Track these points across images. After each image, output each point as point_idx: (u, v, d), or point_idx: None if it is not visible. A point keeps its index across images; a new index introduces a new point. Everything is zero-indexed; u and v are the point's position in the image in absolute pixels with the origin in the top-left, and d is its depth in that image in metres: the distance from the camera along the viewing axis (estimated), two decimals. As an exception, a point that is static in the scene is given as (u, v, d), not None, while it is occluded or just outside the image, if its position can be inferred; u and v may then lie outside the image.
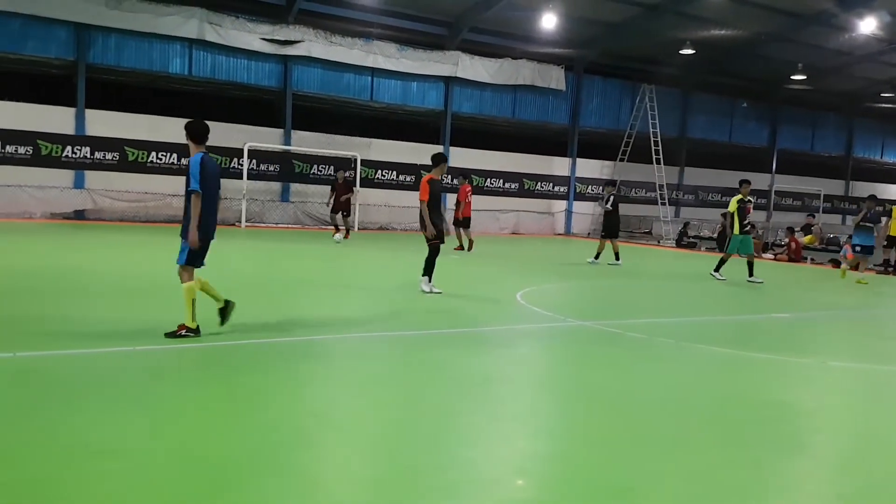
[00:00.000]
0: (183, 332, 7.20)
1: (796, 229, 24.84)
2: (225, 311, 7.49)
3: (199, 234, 7.23)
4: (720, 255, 17.15)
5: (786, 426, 5.63)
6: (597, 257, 18.07)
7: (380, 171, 27.72)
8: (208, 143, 7.56)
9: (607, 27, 28.92)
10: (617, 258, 17.89)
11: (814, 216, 28.96)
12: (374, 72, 27.27)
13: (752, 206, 15.72)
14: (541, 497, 4.11)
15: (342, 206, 20.77)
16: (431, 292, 11.05)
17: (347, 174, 22.50)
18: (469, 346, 8.00)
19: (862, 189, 41.65)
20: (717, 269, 15.69)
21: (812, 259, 23.26)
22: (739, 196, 15.53)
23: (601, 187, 19.21)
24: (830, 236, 27.49)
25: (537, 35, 28.33)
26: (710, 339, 8.98)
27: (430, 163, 11.54)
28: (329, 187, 22.16)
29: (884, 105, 39.23)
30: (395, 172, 28.13)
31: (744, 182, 15.72)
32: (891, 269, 19.79)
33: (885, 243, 20.20)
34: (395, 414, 5.41)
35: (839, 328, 11.01)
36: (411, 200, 28.09)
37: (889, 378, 7.73)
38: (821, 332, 10.61)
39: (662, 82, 32.55)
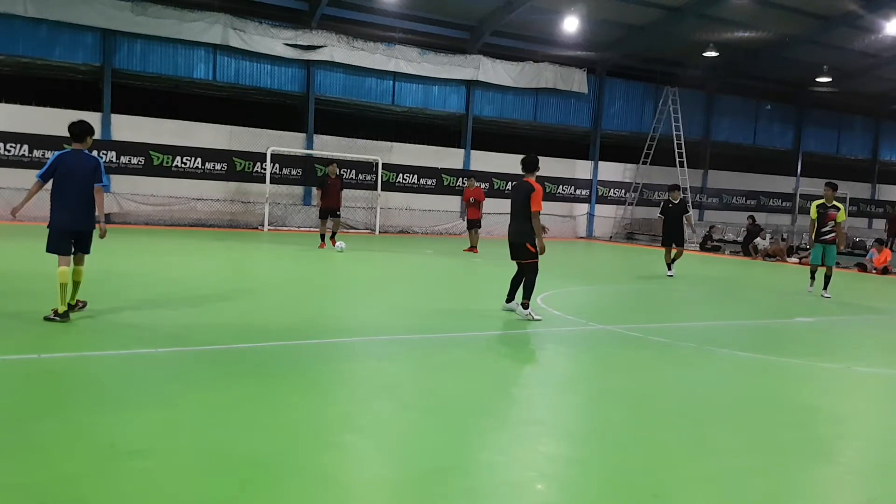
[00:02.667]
0: (52, 315, 7.67)
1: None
2: (71, 309, 7.94)
3: (51, 219, 7.97)
4: (746, 259, 16.85)
5: (812, 432, 5.57)
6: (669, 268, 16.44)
7: (401, 175, 27.81)
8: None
9: (630, 30, 28.82)
10: (668, 268, 16.44)
11: (840, 220, 28.56)
12: (396, 76, 27.40)
13: (838, 212, 13.79)
14: (562, 502, 4.10)
15: (335, 205, 18.18)
16: (534, 318, 9.51)
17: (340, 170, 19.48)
18: (491, 348, 8.00)
19: (889, 193, 41.14)
20: (824, 287, 14.03)
21: (838, 263, 22.96)
22: (821, 201, 13.98)
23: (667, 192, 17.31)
24: (856, 240, 27.18)
25: (559, 38, 28.31)
26: (733, 344, 8.91)
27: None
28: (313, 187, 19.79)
29: (912, 107, 38.73)
30: (416, 176, 28.20)
31: (827, 184, 14.19)
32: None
33: None
34: (417, 416, 5.43)
35: (865, 333, 10.87)
36: (432, 204, 28.29)
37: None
38: (846, 337, 10.48)
39: (686, 84, 32.39)
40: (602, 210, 32.70)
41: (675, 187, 17.37)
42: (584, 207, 32.39)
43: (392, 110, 28.03)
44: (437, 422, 5.30)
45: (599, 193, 32.70)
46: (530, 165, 9.88)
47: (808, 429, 5.64)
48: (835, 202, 13.90)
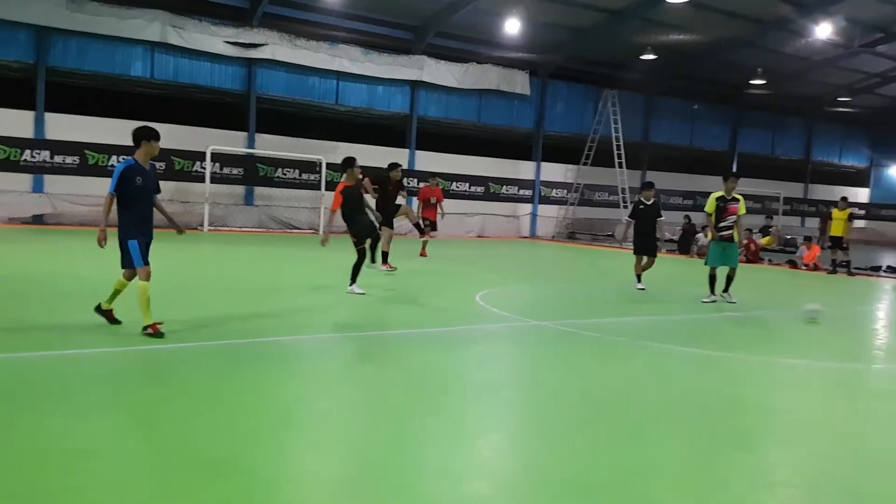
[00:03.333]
0: (151, 331, 7.45)
1: (754, 231, 25.28)
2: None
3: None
4: (682, 257, 16.75)
5: (738, 420, 5.79)
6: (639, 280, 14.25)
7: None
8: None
9: (572, 32, 29.23)
10: (638, 279, 14.26)
11: (772, 218, 29.48)
12: (340, 75, 27.30)
13: (737, 206, 12.61)
14: (498, 495, 4.19)
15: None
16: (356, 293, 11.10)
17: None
18: (428, 346, 8.09)
19: (820, 192, 42.55)
20: (725, 289, 12.76)
21: (770, 260, 23.71)
22: (720, 193, 12.75)
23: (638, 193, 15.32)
24: (788, 238, 28.06)
25: (503, 40, 28.56)
26: (663, 338, 9.16)
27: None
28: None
29: (841, 109, 40.10)
30: (361, 176, 28.06)
31: (730, 176, 12.89)
32: (842, 269, 20.23)
33: (830, 244, 20.56)
34: (355, 413, 5.49)
35: (789, 326, 11.27)
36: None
37: (835, 374, 7.97)
38: (771, 331, 10.87)
39: (626, 87, 32.95)
40: (545, 210, 33.07)
41: (649, 185, 14.61)
42: (528, 207, 32.72)
43: (336, 110, 27.90)
44: (375, 418, 5.37)
45: (542, 194, 33.08)
46: (342, 164, 11.84)
47: (734, 417, 5.86)
48: (734, 194, 12.70)
